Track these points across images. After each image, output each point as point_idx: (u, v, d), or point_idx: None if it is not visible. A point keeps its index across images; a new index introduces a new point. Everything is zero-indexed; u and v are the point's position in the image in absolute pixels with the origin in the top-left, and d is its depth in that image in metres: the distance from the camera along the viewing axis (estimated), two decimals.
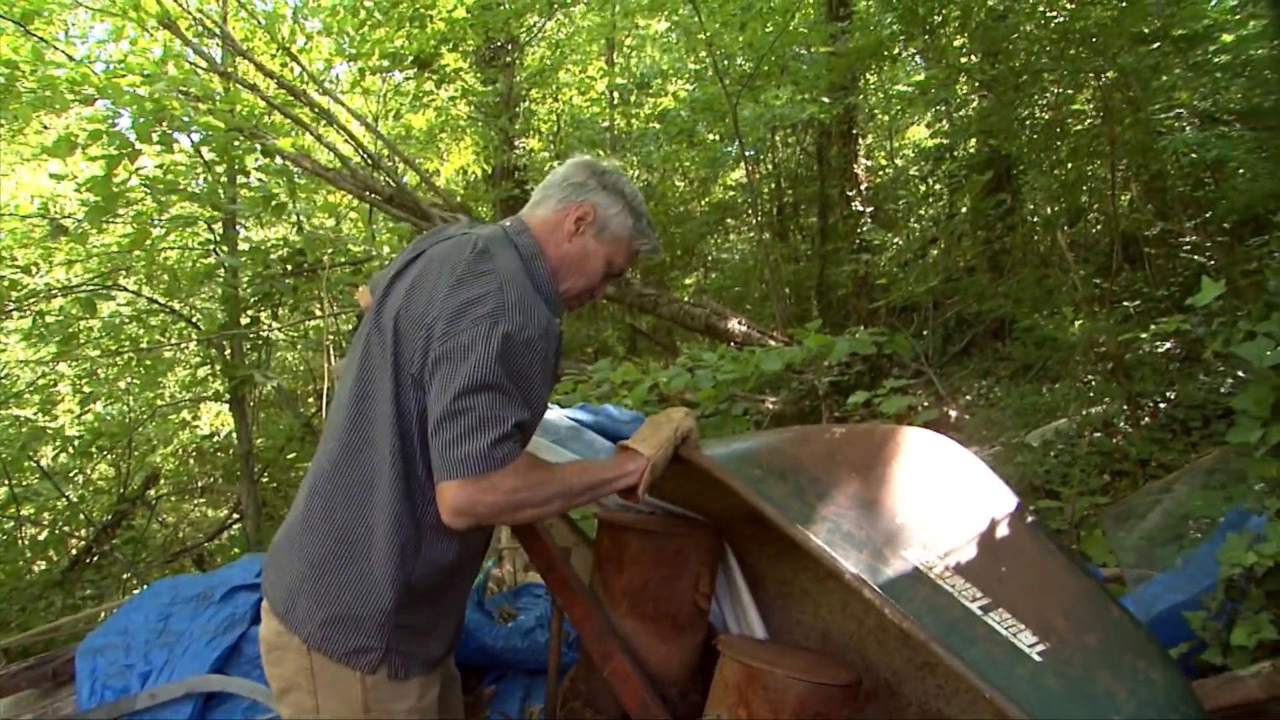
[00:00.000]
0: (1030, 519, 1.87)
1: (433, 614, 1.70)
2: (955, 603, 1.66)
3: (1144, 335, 5.31)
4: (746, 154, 9.09)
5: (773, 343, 5.63)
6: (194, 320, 7.93)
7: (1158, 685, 1.66)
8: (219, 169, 6.57)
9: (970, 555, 1.76)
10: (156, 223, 6.70)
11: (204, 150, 6.41)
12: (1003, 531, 1.83)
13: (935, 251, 7.91)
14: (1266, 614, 2.06)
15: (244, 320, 7.42)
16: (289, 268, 7.07)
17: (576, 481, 1.65)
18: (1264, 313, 2.27)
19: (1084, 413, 4.80)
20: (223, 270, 7.06)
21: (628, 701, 2.01)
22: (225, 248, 6.88)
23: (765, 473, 1.80)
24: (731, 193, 11.72)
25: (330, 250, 7.12)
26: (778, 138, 10.71)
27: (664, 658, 2.10)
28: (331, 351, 7.39)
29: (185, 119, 5.35)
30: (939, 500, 1.83)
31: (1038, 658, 1.60)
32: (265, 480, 8.75)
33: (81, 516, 8.06)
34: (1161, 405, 5.01)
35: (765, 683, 1.86)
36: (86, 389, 8.31)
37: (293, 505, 1.74)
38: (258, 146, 6.19)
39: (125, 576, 7.35)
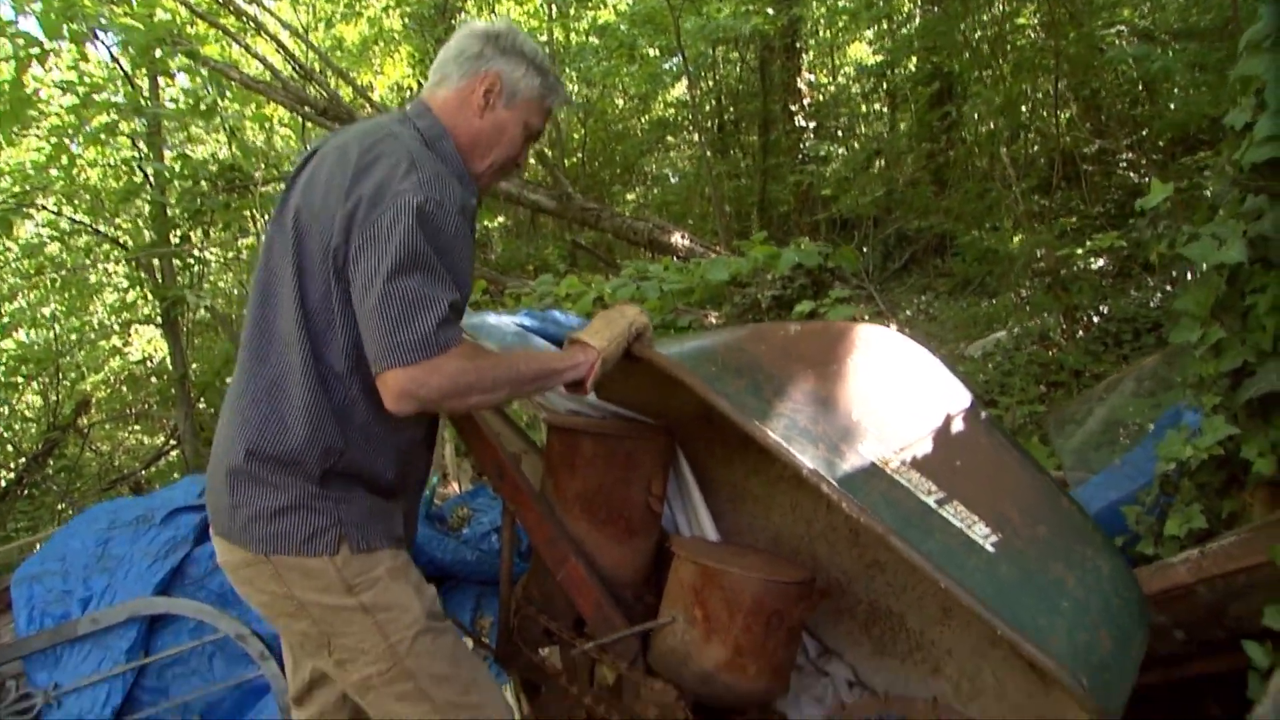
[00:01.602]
0: (984, 415, 1.87)
1: (375, 490, 1.64)
2: (911, 496, 1.65)
3: (1080, 251, 5.39)
4: (689, 69, 8.87)
5: (716, 257, 5.58)
6: (120, 241, 7.56)
7: (1103, 572, 1.69)
8: (140, 80, 6.18)
9: (926, 450, 1.75)
10: (75, 141, 6.31)
11: (122, 61, 6.01)
12: (957, 426, 1.82)
13: (878, 165, 7.88)
14: (1197, 505, 2.11)
15: (173, 240, 7.10)
16: (220, 184, 6.75)
17: (525, 368, 1.60)
18: (1208, 215, 2.27)
19: (1022, 325, 4.86)
20: (149, 187, 6.71)
21: (582, 605, 1.99)
22: (150, 161, 6.51)
23: (721, 369, 1.76)
24: (672, 110, 11.49)
25: (263, 165, 6.80)
26: (719, 53, 10.48)
27: (618, 561, 2.07)
28: None
29: (101, 19, 4.98)
30: (895, 396, 1.81)
31: (991, 549, 1.61)
32: (203, 405, 8.52)
33: (10, 447, 7.76)
34: (1095, 319, 5.12)
35: (720, 582, 1.85)
36: (7, 315, 7.93)
37: (218, 429, 1.67)
38: (178, 55, 5.82)
39: (60, 506, 7.14)
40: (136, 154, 6.87)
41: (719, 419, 1.76)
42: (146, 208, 7.12)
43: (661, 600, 1.98)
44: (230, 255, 8.53)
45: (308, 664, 1.82)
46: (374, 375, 1.48)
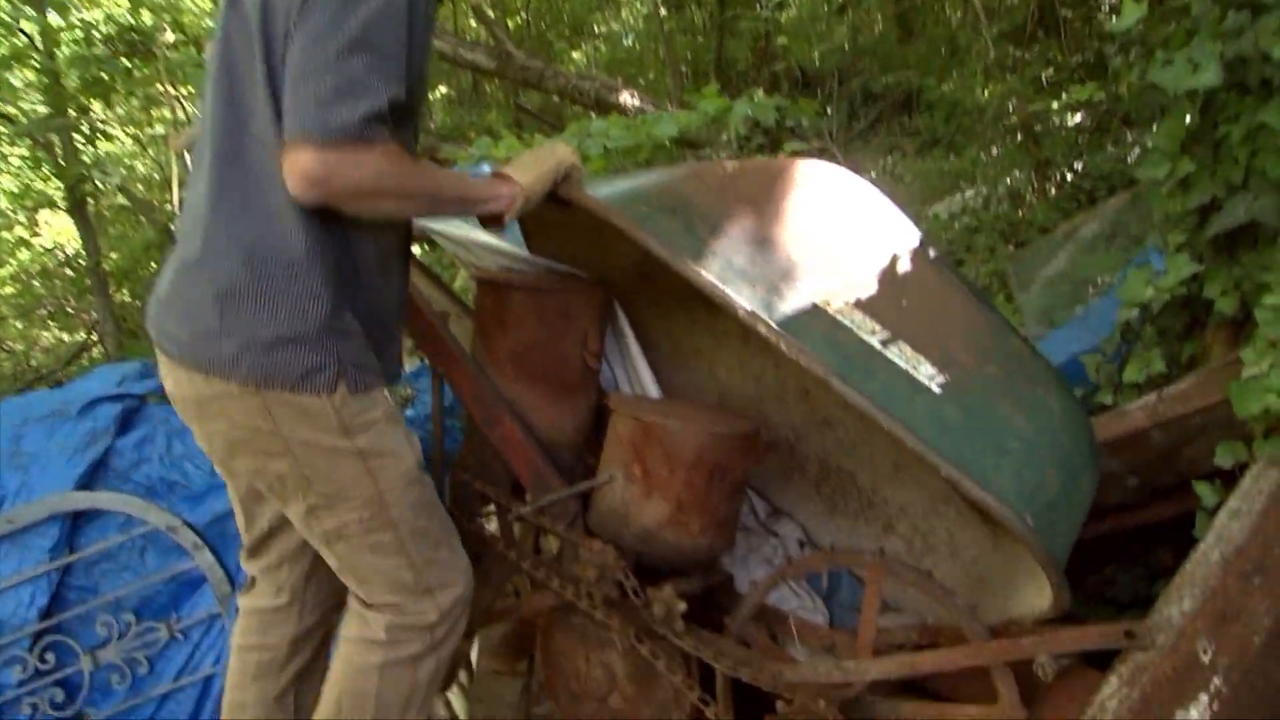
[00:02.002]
0: (933, 252, 1.85)
1: (369, 319, 1.60)
2: (854, 337, 1.64)
3: (1055, 105, 5.33)
4: None
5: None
6: (8, 115, 7.18)
7: (1053, 411, 1.71)
8: None
9: (870, 289, 1.74)
10: None
11: None
12: (904, 264, 1.80)
13: (846, 15, 7.65)
14: (1158, 349, 2.14)
15: (71, 114, 6.74)
16: (119, 47, 6.37)
17: (445, 187, 1.56)
18: (1183, 40, 2.22)
19: (991, 184, 4.83)
20: (35, 51, 6.33)
21: (518, 466, 1.99)
22: (33, 19, 6.12)
23: (652, 209, 1.72)
24: None
25: (169, 21, 6.42)
26: None
27: (554, 421, 2.07)
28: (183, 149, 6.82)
29: None
30: (838, 233, 1.78)
31: (937, 389, 1.62)
32: (124, 296, 8.29)
33: None
34: (1069, 176, 5.10)
35: (659, 437, 1.85)
36: None
37: (177, 252, 1.59)
38: None
39: None
40: (14, 11, 6.43)
41: (659, 272, 1.73)
42: (37, 79, 6.73)
43: (600, 460, 1.99)
44: (143, 132, 8.14)
45: (267, 512, 1.80)
46: (284, 142, 1.39)
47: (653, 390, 2.19)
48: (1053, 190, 4.87)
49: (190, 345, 1.54)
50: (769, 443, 2.02)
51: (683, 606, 1.80)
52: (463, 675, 2.36)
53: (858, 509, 2.26)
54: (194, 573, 2.45)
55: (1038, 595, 1.70)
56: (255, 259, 1.49)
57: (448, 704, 2.32)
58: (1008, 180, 4.95)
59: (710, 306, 1.59)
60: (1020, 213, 4.68)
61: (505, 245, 2.17)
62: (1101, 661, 1.63)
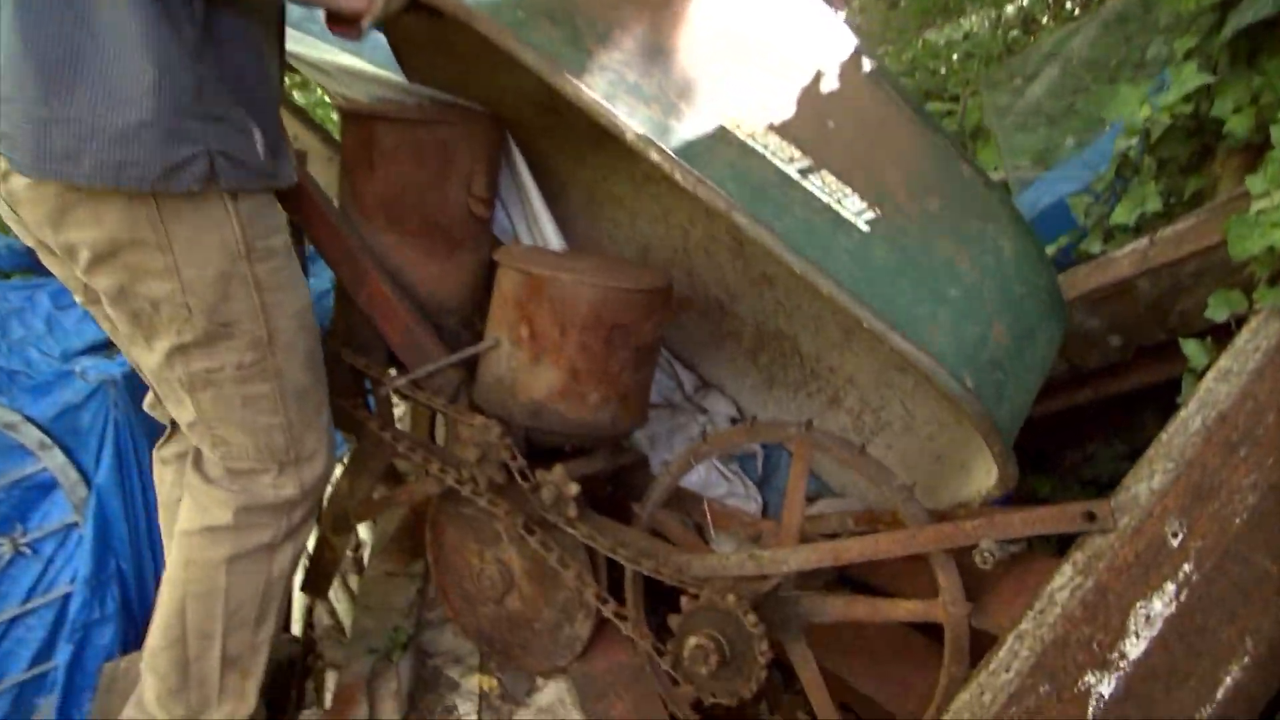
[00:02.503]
0: (870, 64, 1.64)
1: (244, 104, 1.45)
2: (767, 165, 1.47)
3: None
4: None
5: None
6: None
7: (1005, 254, 1.54)
8: None
9: (790, 110, 1.54)
10: None
11: None
12: (832, 81, 1.60)
13: None
14: (1156, 185, 1.94)
15: None
16: None
17: None
18: None
19: (999, 8, 4.52)
20: None
21: (389, 331, 1.85)
22: None
23: (530, 14, 1.50)
24: None
25: None
26: None
27: (436, 279, 1.91)
28: None
29: None
30: (755, 44, 1.58)
31: (865, 227, 1.45)
32: None
33: None
34: None
35: (549, 292, 1.70)
36: None
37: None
38: None
39: None
40: None
41: (564, 105, 1.55)
42: None
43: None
44: None
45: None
46: None
47: (555, 242, 2.02)
48: (1075, 9, 4.54)
49: (19, 148, 1.34)
50: (683, 298, 1.86)
51: (575, 489, 1.68)
52: (352, 580, 2.28)
53: (799, 380, 2.14)
54: (42, 476, 2.31)
55: (985, 470, 1.58)
56: (89, 34, 1.29)
57: (332, 612, 2.24)
58: (1020, 2, 4.62)
59: (629, 150, 1.42)
60: (1031, 38, 4.38)
61: (376, 70, 1.97)
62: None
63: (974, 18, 4.58)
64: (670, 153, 1.41)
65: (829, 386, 2.11)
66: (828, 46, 1.64)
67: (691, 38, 1.56)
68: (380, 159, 1.85)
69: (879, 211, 1.47)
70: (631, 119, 1.42)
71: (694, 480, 2.00)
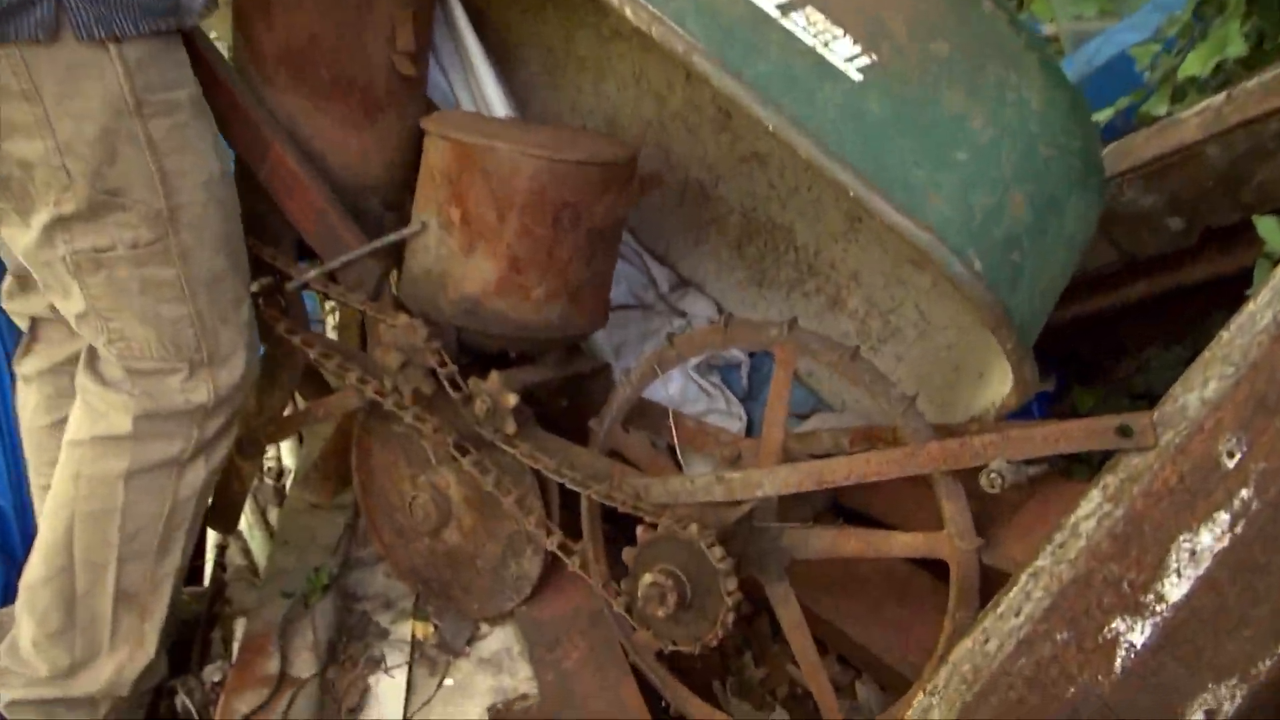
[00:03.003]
0: None
1: None
2: (740, 1, 1.34)
3: None
4: None
5: None
6: None
7: (1031, 108, 1.42)
8: None
9: None
10: None
11: None
12: None
13: None
14: (1241, 24, 1.77)
15: None
16: None
17: None
18: None
19: None
20: None
21: (297, 214, 1.76)
22: None
23: None
24: None
25: None
26: None
27: (354, 151, 1.80)
28: None
29: None
30: None
31: (857, 74, 1.34)
32: None
33: None
34: None
35: (484, 165, 1.60)
36: None
37: None
38: None
39: None
40: None
41: None
42: None
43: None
44: None
45: None
46: None
47: (499, 108, 1.90)
48: None
49: None
50: (651, 175, 1.75)
51: (513, 400, 1.60)
52: (275, 514, 2.22)
53: (794, 278, 2.05)
54: None
55: (1003, 377, 1.49)
56: None
57: (246, 551, 2.19)
58: None
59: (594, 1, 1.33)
60: None
61: None
62: None
63: None
64: None
65: (829, 285, 2.02)
66: None
67: None
68: (279, 6, 1.72)
69: (875, 57, 1.35)
70: None
71: (669, 395, 1.91)
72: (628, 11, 1.33)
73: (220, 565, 2.19)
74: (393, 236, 1.70)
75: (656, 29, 1.30)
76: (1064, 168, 1.42)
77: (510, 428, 1.62)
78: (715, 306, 2.09)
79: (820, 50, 1.33)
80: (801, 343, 1.52)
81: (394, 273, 1.81)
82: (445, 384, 1.63)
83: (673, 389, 1.94)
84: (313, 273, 1.75)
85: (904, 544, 1.49)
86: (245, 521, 2.22)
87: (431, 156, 1.67)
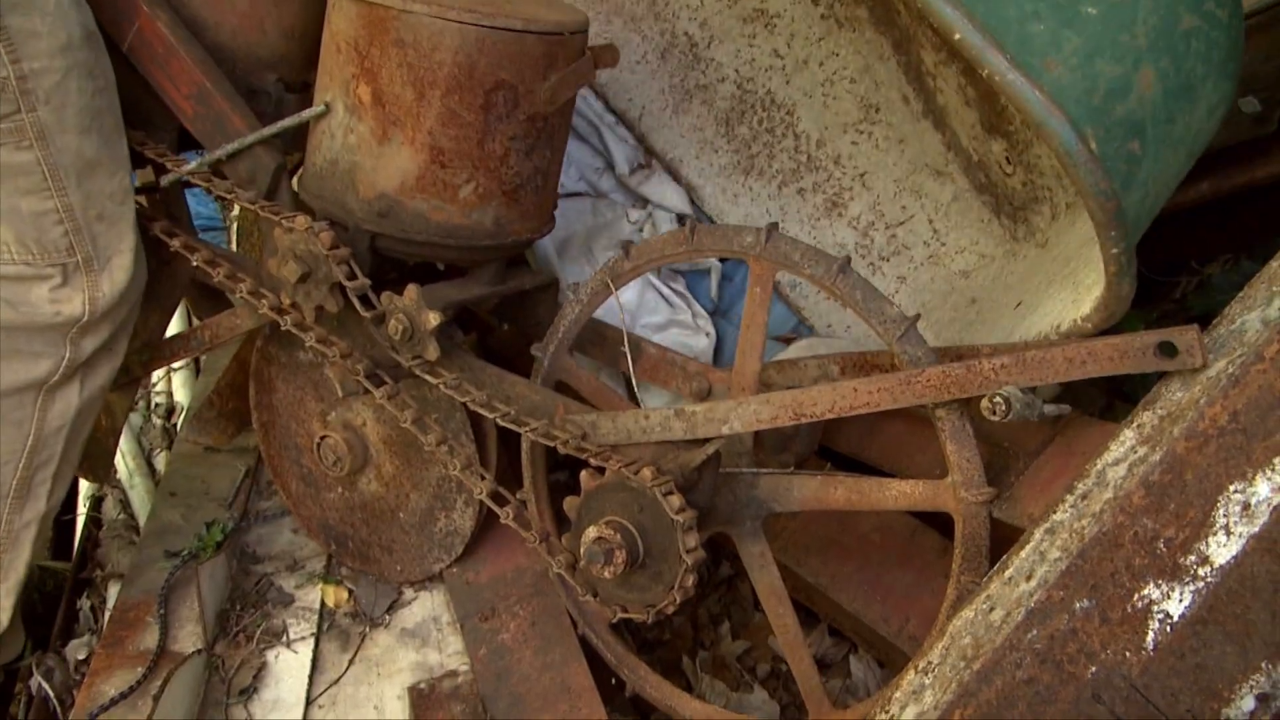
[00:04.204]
0: None
1: None
2: None
3: None
4: None
5: None
6: None
7: None
8: None
9: None
10: None
11: None
12: None
13: None
14: None
15: None
16: None
17: None
18: None
19: None
20: None
21: (173, 93, 1.71)
22: None
23: None
24: None
25: None
26: None
27: (246, 18, 1.76)
28: None
29: None
30: None
31: None
32: None
33: None
34: None
35: (399, 33, 1.54)
36: None
37: None
38: None
39: None
40: None
41: None
42: None
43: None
44: None
45: None
46: None
47: None
48: None
49: None
50: (604, 48, 1.68)
51: (435, 320, 1.56)
52: (159, 457, 2.19)
53: (789, 170, 2.01)
54: None
55: (1070, 299, 1.46)
56: None
57: (124, 502, 2.15)
58: None
59: None
60: None
61: None
62: None
63: None
64: None
65: (829, 184, 1.98)
66: None
67: None
68: None
69: None
70: None
71: (624, 301, 1.86)
72: None
73: (94, 521, 2.16)
74: (289, 121, 1.65)
75: None
76: (1205, 44, 1.37)
77: (432, 353, 1.58)
78: (684, 196, 2.04)
79: None
80: (782, 254, 1.47)
81: (295, 167, 1.77)
82: (354, 300, 1.58)
83: (628, 295, 1.90)
84: (193, 165, 1.70)
85: (900, 494, 1.45)
86: (125, 469, 2.20)
87: (337, 22, 1.61)
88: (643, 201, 2.03)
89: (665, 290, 1.92)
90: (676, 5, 2.00)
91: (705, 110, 2.05)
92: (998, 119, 1.72)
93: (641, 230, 2.01)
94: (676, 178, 2.06)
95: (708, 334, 1.92)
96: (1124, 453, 1.28)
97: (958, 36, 1.20)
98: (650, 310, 1.90)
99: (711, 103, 2.04)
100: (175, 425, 2.37)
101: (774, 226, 1.48)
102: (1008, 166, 1.75)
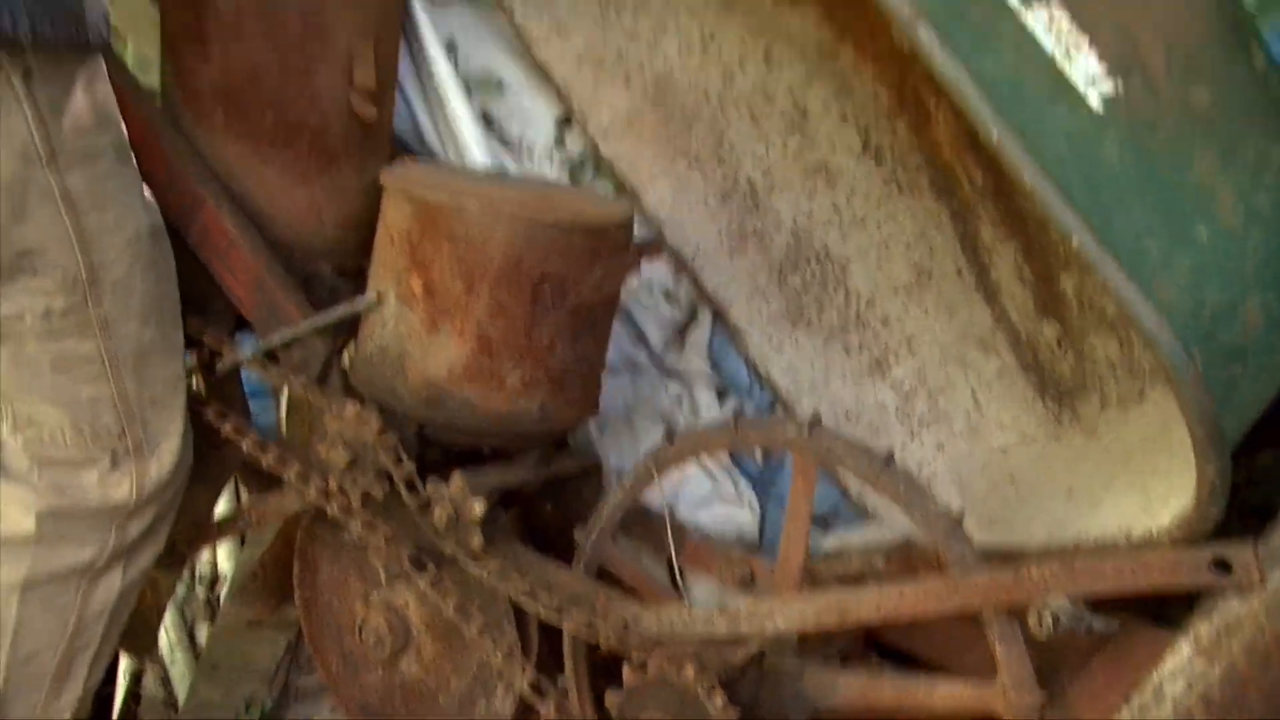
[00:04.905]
0: None
1: None
2: None
3: None
4: None
5: None
6: None
7: None
8: None
9: None
10: None
11: None
12: None
13: None
14: None
15: None
16: None
17: None
18: None
19: None
20: None
21: (232, 282, 1.75)
22: None
23: None
24: None
25: None
26: None
27: (303, 209, 1.81)
28: None
29: None
30: None
31: (1098, 104, 1.28)
32: None
33: None
34: None
35: (451, 229, 1.58)
36: None
37: None
38: None
39: None
40: None
41: None
42: None
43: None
44: None
45: None
46: None
47: (475, 151, 1.89)
48: None
49: None
50: (651, 245, 1.73)
51: (479, 509, 1.57)
52: (201, 628, 2.20)
53: (837, 325, 2.00)
54: None
55: (1138, 505, 1.44)
56: None
57: (165, 679, 2.15)
58: None
59: None
60: None
61: None
62: None
63: None
64: None
65: (876, 344, 1.98)
66: None
67: None
68: (219, 32, 1.73)
69: (1121, 87, 1.30)
70: None
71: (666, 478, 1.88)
72: None
73: (134, 696, 2.16)
74: (341, 310, 1.69)
75: None
76: None
77: (476, 541, 1.59)
78: (711, 379, 2.04)
79: (1060, 61, 1.28)
80: (824, 449, 1.48)
81: (349, 351, 1.80)
82: (401, 487, 1.61)
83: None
84: (247, 352, 1.75)
85: (949, 695, 1.44)
86: (166, 642, 2.21)
87: (391, 216, 1.65)
88: (676, 374, 2.04)
89: (709, 463, 1.92)
90: (741, 151, 2.03)
91: (760, 257, 2.06)
92: (1053, 302, 1.74)
93: (681, 404, 2.02)
94: (724, 319, 2.05)
95: (753, 508, 1.92)
96: (1181, 664, 1.27)
97: (1075, 243, 1.21)
98: (694, 484, 1.89)
99: (767, 250, 2.05)
100: (218, 596, 2.39)
101: (816, 419, 1.50)
102: (1059, 350, 1.76)
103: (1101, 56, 1.30)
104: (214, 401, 1.80)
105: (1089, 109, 1.27)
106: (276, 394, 2.57)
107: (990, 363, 1.84)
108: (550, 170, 1.97)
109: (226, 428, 1.77)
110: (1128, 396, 1.67)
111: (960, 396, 1.87)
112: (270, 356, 1.75)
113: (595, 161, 1.99)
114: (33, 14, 1.31)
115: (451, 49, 1.94)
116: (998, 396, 1.83)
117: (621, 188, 1.95)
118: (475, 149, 1.90)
